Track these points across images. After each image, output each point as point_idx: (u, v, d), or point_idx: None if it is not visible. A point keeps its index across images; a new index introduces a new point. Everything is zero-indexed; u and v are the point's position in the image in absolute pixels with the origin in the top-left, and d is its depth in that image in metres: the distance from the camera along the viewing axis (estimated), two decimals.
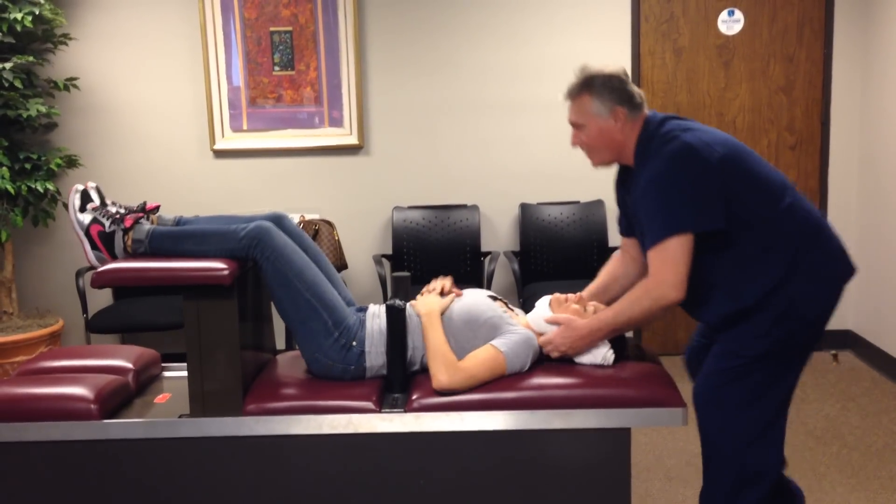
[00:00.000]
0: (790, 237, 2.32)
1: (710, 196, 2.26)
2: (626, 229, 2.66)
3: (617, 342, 2.52)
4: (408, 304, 2.55)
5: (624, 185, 2.59)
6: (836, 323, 4.84)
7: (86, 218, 2.48)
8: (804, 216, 2.34)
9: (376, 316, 2.53)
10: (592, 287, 2.68)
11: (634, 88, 2.47)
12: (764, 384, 2.33)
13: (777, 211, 2.32)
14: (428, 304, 2.49)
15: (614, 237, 4.72)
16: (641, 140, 2.45)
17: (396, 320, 2.45)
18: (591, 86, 2.47)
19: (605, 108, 2.45)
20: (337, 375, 2.48)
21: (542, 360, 2.51)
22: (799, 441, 3.61)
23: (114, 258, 2.47)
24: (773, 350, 2.30)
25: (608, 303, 2.55)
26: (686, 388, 2.40)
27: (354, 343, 2.46)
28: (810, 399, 4.11)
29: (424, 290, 2.62)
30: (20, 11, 4.02)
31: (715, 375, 2.35)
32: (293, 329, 2.49)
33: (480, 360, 2.36)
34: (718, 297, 2.35)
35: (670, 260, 2.25)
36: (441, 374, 2.32)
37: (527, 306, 3.72)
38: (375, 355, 2.47)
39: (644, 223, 2.36)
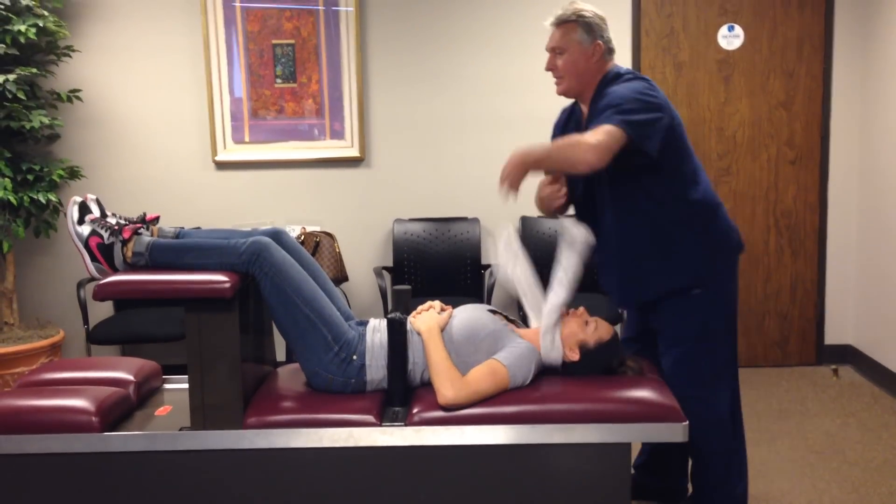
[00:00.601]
0: (704, 208, 2.69)
1: (657, 125, 2.54)
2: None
3: (614, 355, 2.54)
4: (408, 318, 2.56)
5: (565, 128, 2.84)
6: (835, 337, 4.89)
7: (84, 230, 2.49)
8: (709, 188, 2.74)
9: (376, 330, 2.53)
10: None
11: (611, 35, 2.74)
12: (718, 357, 2.81)
13: (695, 182, 2.69)
14: (427, 321, 2.50)
15: None
16: (603, 82, 2.70)
17: (397, 333, 2.46)
18: (581, 17, 2.69)
19: (588, 40, 2.69)
20: (337, 389, 2.48)
21: (545, 373, 2.52)
22: (799, 456, 3.61)
23: (114, 270, 2.47)
24: (711, 324, 2.73)
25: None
26: None
27: (355, 357, 2.47)
28: (810, 414, 4.11)
29: (419, 308, 2.63)
30: (24, 23, 4.04)
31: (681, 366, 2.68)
32: (292, 344, 2.50)
33: (484, 374, 2.36)
34: (653, 273, 2.66)
35: (604, 137, 2.43)
36: (446, 390, 2.33)
37: (528, 320, 3.72)
38: (376, 369, 2.47)
39: (596, 115, 2.57)
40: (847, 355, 4.88)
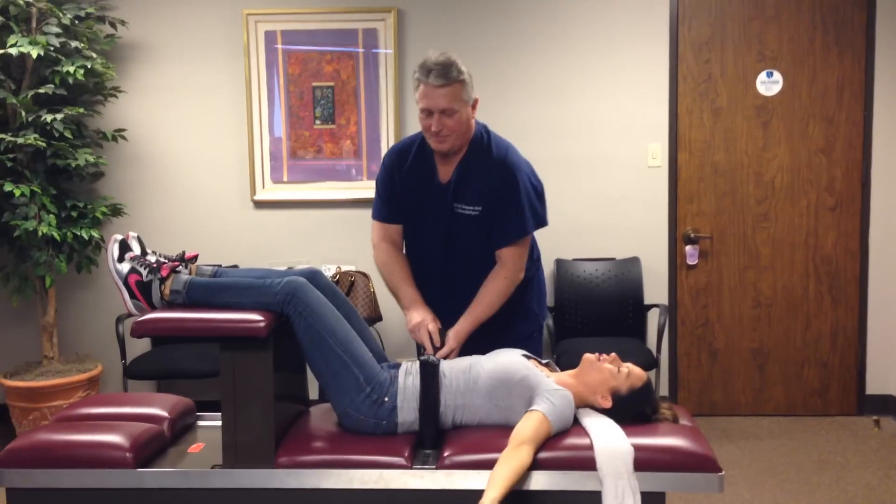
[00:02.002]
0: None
1: (543, 202, 2.88)
2: (395, 216, 2.94)
3: (648, 402, 2.50)
4: (441, 361, 2.56)
5: (416, 170, 2.85)
6: (877, 387, 4.79)
7: (124, 267, 2.53)
8: None
9: (408, 372, 2.53)
10: (416, 296, 2.88)
11: None
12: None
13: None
14: None
15: (650, 294, 4.69)
16: (480, 133, 2.80)
17: (430, 376, 2.45)
18: (463, 73, 2.68)
19: (471, 97, 2.72)
20: (369, 430, 2.48)
21: (576, 420, 2.49)
22: None
23: (151, 307, 2.51)
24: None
25: (413, 283, 2.91)
26: (721, 450, 2.36)
27: (386, 399, 2.46)
28: (851, 466, 4.01)
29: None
30: (73, 65, 4.15)
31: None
32: (324, 384, 2.50)
33: (536, 429, 2.32)
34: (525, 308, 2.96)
35: (524, 250, 2.81)
36: (527, 460, 2.27)
37: (561, 363, 3.70)
38: (407, 411, 2.47)
39: (497, 221, 2.76)
40: (889, 405, 4.77)
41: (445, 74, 2.63)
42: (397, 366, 2.59)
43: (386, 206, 2.93)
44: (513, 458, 2.23)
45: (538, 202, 2.87)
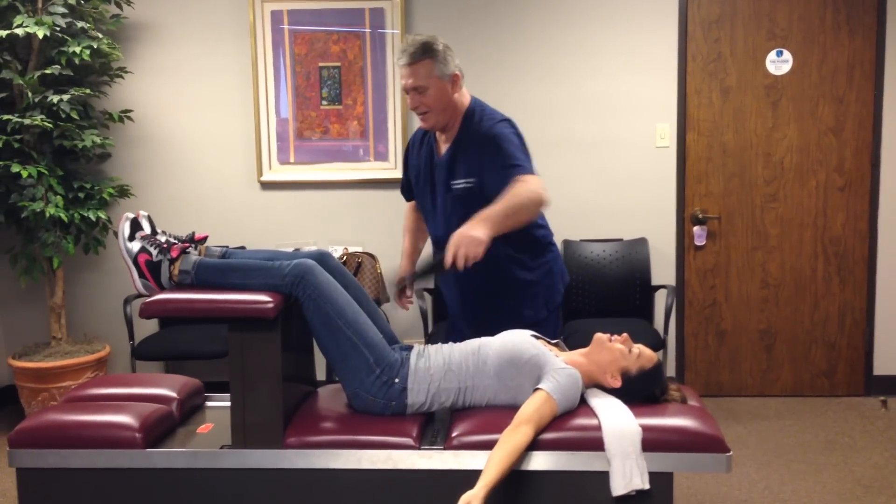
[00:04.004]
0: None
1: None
2: (409, 195, 3.15)
3: (657, 383, 2.50)
4: (450, 343, 2.58)
5: (421, 150, 2.97)
6: (884, 368, 4.79)
7: (134, 246, 2.53)
8: None
9: (420, 355, 2.54)
10: (408, 247, 3.17)
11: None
12: None
13: None
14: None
15: (658, 274, 4.69)
16: (469, 118, 2.82)
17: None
18: (433, 51, 2.73)
19: (446, 73, 2.75)
20: (378, 411, 2.49)
21: (584, 400, 2.49)
22: (847, 489, 3.52)
23: (160, 287, 2.51)
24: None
25: (416, 239, 3.19)
26: (728, 431, 2.36)
27: (397, 380, 2.47)
28: (858, 447, 4.01)
29: None
30: (79, 45, 4.14)
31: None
32: (334, 366, 2.51)
33: (537, 408, 2.32)
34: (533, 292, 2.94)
35: (534, 179, 2.68)
36: (525, 441, 2.27)
37: (568, 343, 3.69)
38: (418, 392, 2.47)
39: (496, 172, 2.71)
40: None
41: (413, 52, 2.73)
42: (409, 348, 2.59)
43: (404, 185, 3.17)
44: (510, 440, 2.24)
45: (526, 156, 2.80)
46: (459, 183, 2.83)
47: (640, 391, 2.48)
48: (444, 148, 2.90)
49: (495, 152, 2.75)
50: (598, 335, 2.52)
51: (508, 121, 2.86)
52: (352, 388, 2.49)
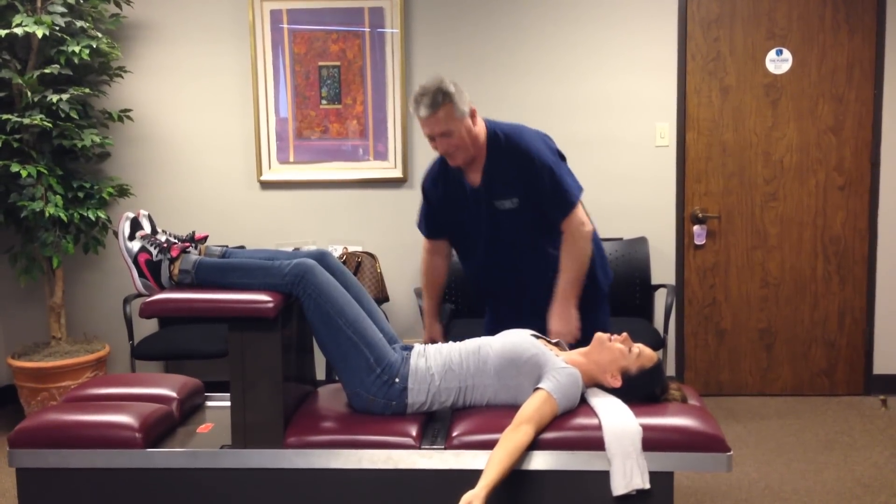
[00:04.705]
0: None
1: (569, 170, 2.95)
2: (435, 231, 3.11)
3: (657, 382, 2.50)
4: (451, 343, 2.58)
5: (447, 182, 2.98)
6: (884, 367, 4.79)
7: (134, 246, 2.53)
8: None
9: (421, 354, 2.54)
10: (431, 307, 3.22)
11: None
12: None
13: None
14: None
15: (657, 274, 4.69)
16: (493, 133, 2.88)
17: None
18: (448, 94, 2.76)
19: (465, 111, 2.80)
20: (378, 410, 2.49)
21: (584, 400, 2.49)
22: (846, 489, 3.52)
23: (160, 286, 2.51)
24: None
25: (438, 296, 3.20)
26: (728, 430, 2.36)
27: (397, 380, 2.47)
28: (858, 446, 4.02)
29: None
30: (78, 45, 4.14)
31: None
32: (335, 365, 2.51)
33: (537, 408, 2.33)
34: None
35: (577, 211, 2.87)
36: (526, 441, 2.28)
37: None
38: (418, 392, 2.47)
39: (546, 203, 2.86)
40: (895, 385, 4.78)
41: (431, 102, 2.75)
42: (409, 348, 2.59)
43: (426, 222, 3.14)
44: (510, 439, 2.24)
45: (566, 173, 2.92)
46: (504, 203, 2.89)
47: (640, 390, 2.48)
48: (474, 177, 2.93)
49: (540, 176, 2.83)
50: (599, 335, 2.52)
51: (535, 133, 2.94)
52: (352, 388, 2.49)
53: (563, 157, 2.99)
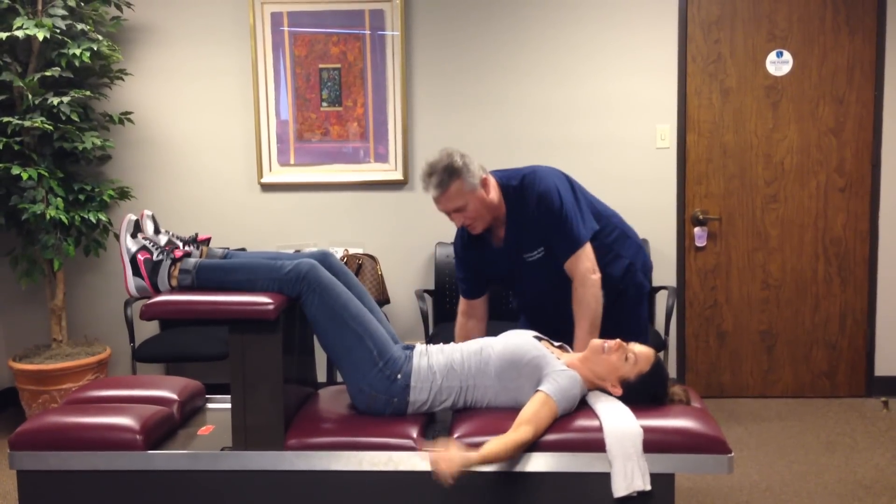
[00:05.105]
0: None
1: (584, 209, 2.94)
2: (474, 291, 3.07)
3: (658, 385, 2.50)
4: (453, 344, 2.58)
5: (476, 246, 2.98)
6: (885, 369, 4.78)
7: (135, 245, 2.53)
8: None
9: (423, 354, 2.54)
10: None
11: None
12: None
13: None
14: (446, 468, 2.17)
15: (658, 276, 4.68)
16: (506, 188, 2.87)
17: None
18: (456, 170, 2.75)
19: (476, 183, 2.77)
20: (380, 407, 2.48)
21: (585, 402, 2.49)
22: (848, 491, 3.52)
23: (154, 287, 2.50)
24: None
25: None
26: (730, 432, 2.36)
27: (399, 376, 2.47)
28: (860, 448, 4.01)
29: (436, 455, 2.21)
30: (79, 48, 4.14)
31: None
32: (338, 361, 2.50)
33: (540, 413, 2.33)
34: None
35: (583, 254, 2.83)
36: (523, 437, 2.29)
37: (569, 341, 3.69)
38: (420, 391, 2.47)
39: (554, 241, 2.85)
40: None
41: (439, 182, 2.76)
42: (411, 347, 2.60)
43: (463, 284, 3.10)
44: (511, 435, 2.27)
45: (578, 210, 2.91)
46: (533, 255, 2.91)
47: (642, 395, 2.47)
48: (499, 236, 2.95)
49: (549, 211, 2.83)
50: (593, 343, 2.50)
51: (548, 171, 2.93)
52: (355, 384, 2.48)
53: (581, 196, 2.97)
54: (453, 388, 2.49)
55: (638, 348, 2.50)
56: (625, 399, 2.45)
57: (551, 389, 2.36)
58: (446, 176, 2.74)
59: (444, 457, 2.16)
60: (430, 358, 2.52)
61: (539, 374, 2.42)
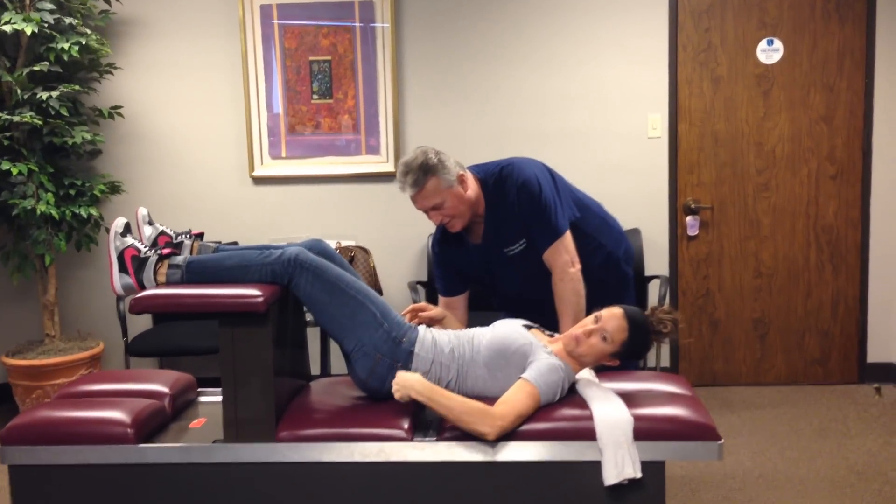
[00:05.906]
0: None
1: (563, 195, 2.94)
2: (451, 289, 3.05)
3: (643, 336, 2.51)
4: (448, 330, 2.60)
5: (453, 243, 2.98)
6: (878, 355, 4.80)
7: (124, 241, 2.53)
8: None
9: (427, 330, 2.58)
10: None
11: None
12: None
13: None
14: (406, 385, 2.32)
15: (651, 265, 4.69)
16: (484, 182, 2.88)
17: None
18: (431, 167, 2.75)
19: (452, 179, 2.77)
20: (383, 373, 2.46)
21: (576, 391, 2.50)
22: (840, 477, 3.53)
23: (139, 284, 2.50)
24: None
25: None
26: (723, 420, 2.37)
27: (405, 340, 2.48)
28: (852, 434, 4.03)
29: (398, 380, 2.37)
30: (67, 42, 4.12)
31: None
32: (340, 331, 2.48)
33: (517, 397, 2.34)
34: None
35: (561, 246, 2.84)
36: (485, 428, 2.29)
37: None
38: (423, 360, 2.48)
39: (533, 232, 2.85)
40: (890, 373, 4.78)
41: (415, 181, 2.76)
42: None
43: (440, 283, 3.10)
44: (477, 403, 2.32)
45: (557, 198, 2.90)
46: (513, 249, 2.91)
47: (635, 353, 2.49)
48: (477, 231, 2.95)
49: (529, 200, 2.83)
50: (567, 338, 2.49)
51: (526, 161, 2.93)
52: (359, 348, 2.46)
53: (560, 185, 2.97)
54: (451, 368, 2.49)
55: (609, 324, 2.44)
56: (624, 360, 2.49)
57: (531, 376, 2.37)
58: (421, 174, 2.74)
59: (404, 382, 2.31)
60: (433, 333, 2.55)
61: (525, 363, 2.42)
